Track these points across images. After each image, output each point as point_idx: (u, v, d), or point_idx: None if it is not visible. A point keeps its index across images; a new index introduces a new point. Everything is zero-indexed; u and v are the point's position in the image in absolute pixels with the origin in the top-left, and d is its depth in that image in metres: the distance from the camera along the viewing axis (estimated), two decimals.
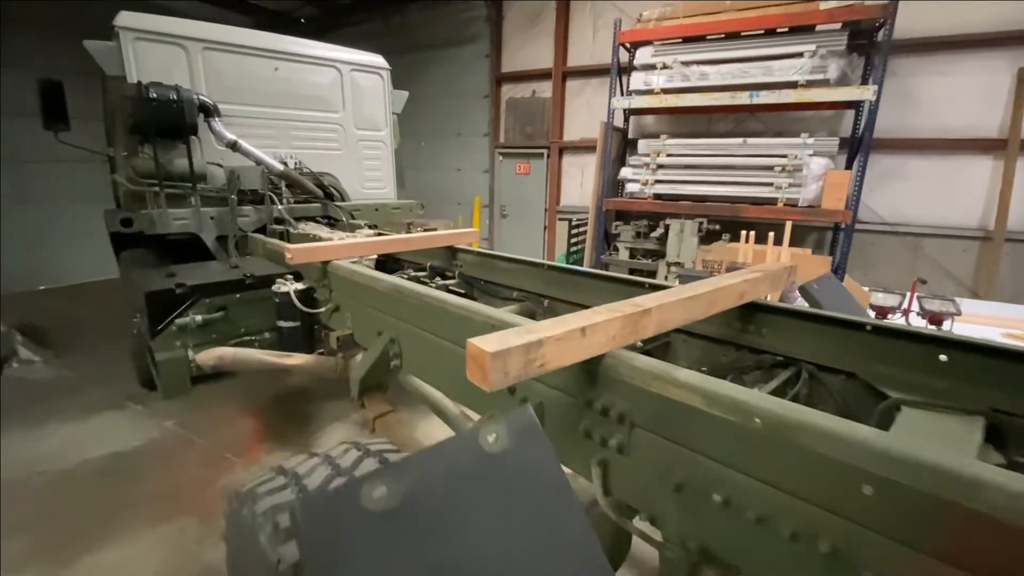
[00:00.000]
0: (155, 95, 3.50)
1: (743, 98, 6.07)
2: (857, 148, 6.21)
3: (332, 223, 4.50)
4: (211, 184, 4.01)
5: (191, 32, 3.88)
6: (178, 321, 2.63)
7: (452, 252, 3.18)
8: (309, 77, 4.46)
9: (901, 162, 6.48)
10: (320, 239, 3.46)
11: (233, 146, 3.94)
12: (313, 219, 4.36)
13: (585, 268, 2.60)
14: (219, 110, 3.90)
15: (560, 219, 8.84)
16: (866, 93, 5.60)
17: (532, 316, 2.62)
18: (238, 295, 2.83)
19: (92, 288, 7.85)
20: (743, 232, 5.58)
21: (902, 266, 6.61)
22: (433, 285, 2.77)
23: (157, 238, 3.73)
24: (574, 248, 8.14)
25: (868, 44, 6.13)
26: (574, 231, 7.86)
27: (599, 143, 7.37)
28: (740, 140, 6.37)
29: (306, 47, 4.46)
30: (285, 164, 4.22)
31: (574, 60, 8.43)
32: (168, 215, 3.65)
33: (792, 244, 5.86)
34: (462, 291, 2.96)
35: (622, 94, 7.06)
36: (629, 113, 7.34)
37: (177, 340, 2.64)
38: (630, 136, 7.93)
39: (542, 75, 8.71)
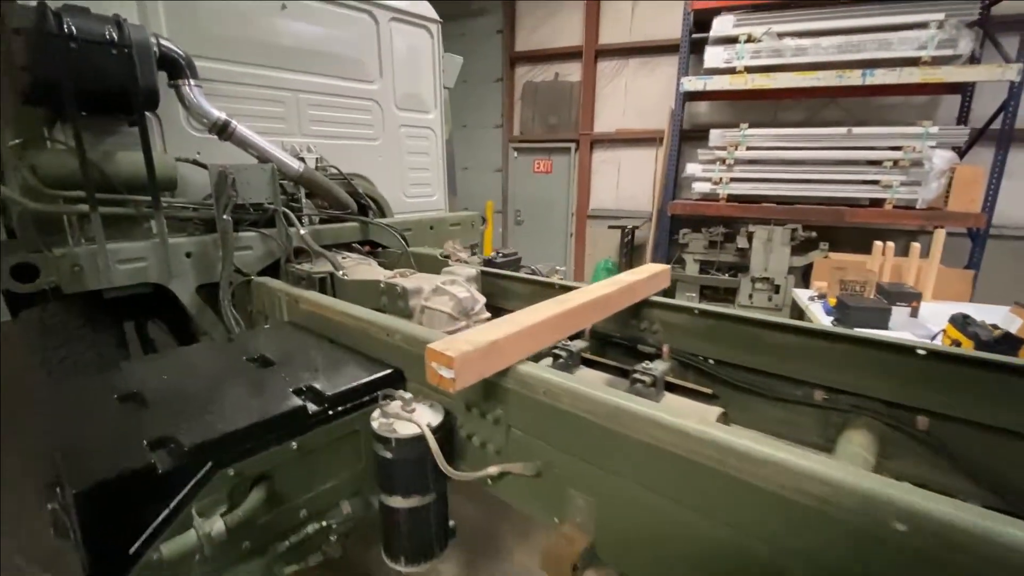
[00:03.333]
0: (75, 30, 1.84)
1: (854, 77, 4.95)
2: (974, 141, 5.23)
3: (374, 251, 2.94)
4: (184, 195, 2.37)
5: None
6: (172, 547, 1.07)
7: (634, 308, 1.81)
8: (333, 27, 2.86)
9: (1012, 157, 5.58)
10: (420, 294, 1.94)
11: (223, 130, 2.32)
12: (348, 247, 2.79)
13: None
14: (195, 68, 2.26)
15: (594, 224, 7.51)
16: (1009, 73, 4.60)
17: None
18: (295, 443, 1.29)
19: None
20: (876, 243, 4.43)
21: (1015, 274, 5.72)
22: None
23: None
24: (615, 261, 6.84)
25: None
26: (627, 239, 6.55)
27: (667, 134, 6.08)
28: (844, 130, 5.25)
29: None
30: (302, 161, 2.61)
31: (608, 36, 7.09)
32: (108, 255, 2.00)
33: (899, 253, 4.74)
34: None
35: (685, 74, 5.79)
36: (687, 99, 6.07)
37: None
38: (684, 127, 6.69)
39: (568, 55, 7.32)
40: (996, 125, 4.94)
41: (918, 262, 4.33)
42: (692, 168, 5.87)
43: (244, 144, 2.39)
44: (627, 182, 7.28)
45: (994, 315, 3.12)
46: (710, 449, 0.87)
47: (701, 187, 5.83)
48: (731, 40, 5.37)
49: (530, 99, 7.66)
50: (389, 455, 1.24)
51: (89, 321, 2.21)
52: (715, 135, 5.70)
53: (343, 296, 2.14)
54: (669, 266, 2.12)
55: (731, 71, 5.37)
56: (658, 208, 6.10)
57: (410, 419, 1.25)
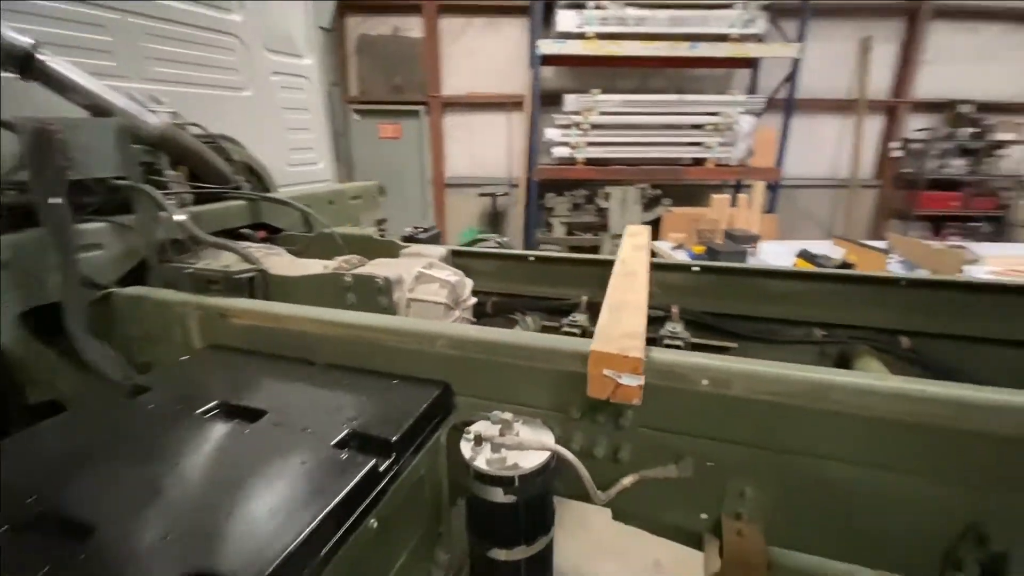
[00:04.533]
0: None
1: (683, 49, 5.55)
2: (764, 109, 6.37)
3: (270, 237, 2.27)
4: None
5: None
6: None
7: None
8: None
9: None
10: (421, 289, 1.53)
11: (26, 64, 1.46)
12: (235, 233, 2.10)
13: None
14: None
15: (453, 193, 7.24)
16: (792, 51, 5.67)
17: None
18: (374, 520, 0.88)
19: None
20: (715, 196, 5.14)
21: (796, 215, 7.27)
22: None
23: None
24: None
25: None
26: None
27: (528, 98, 6.02)
28: (676, 96, 5.89)
29: None
30: (165, 114, 1.83)
31: None
32: None
33: (702, 203, 5.70)
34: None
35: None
36: (542, 62, 6.11)
37: None
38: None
39: (406, 7, 6.71)
40: (782, 95, 6.08)
41: (746, 210, 5.17)
42: (551, 133, 5.99)
43: (65, 86, 1.55)
44: (481, 148, 7.14)
45: (822, 248, 3.89)
46: (930, 406, 0.82)
47: (560, 151, 6.02)
48: (578, 5, 5.52)
49: (368, 55, 6.87)
50: (513, 498, 0.93)
51: None
52: (571, 100, 5.88)
53: (282, 299, 1.58)
54: (648, 227, 2.08)
55: (582, 36, 5.54)
56: (526, 174, 6.12)
57: (531, 446, 0.95)
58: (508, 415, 1.01)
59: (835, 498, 0.94)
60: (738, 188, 6.72)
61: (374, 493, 0.88)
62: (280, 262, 1.83)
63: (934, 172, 6.91)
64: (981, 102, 6.86)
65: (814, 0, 5.81)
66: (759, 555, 0.94)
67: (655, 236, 5.87)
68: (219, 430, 0.99)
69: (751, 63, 6.42)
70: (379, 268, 1.62)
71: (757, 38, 5.64)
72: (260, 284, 1.59)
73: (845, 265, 3.39)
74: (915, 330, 1.59)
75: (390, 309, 1.53)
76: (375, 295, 1.52)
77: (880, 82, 7.01)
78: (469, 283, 1.73)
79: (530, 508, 0.96)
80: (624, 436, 1.04)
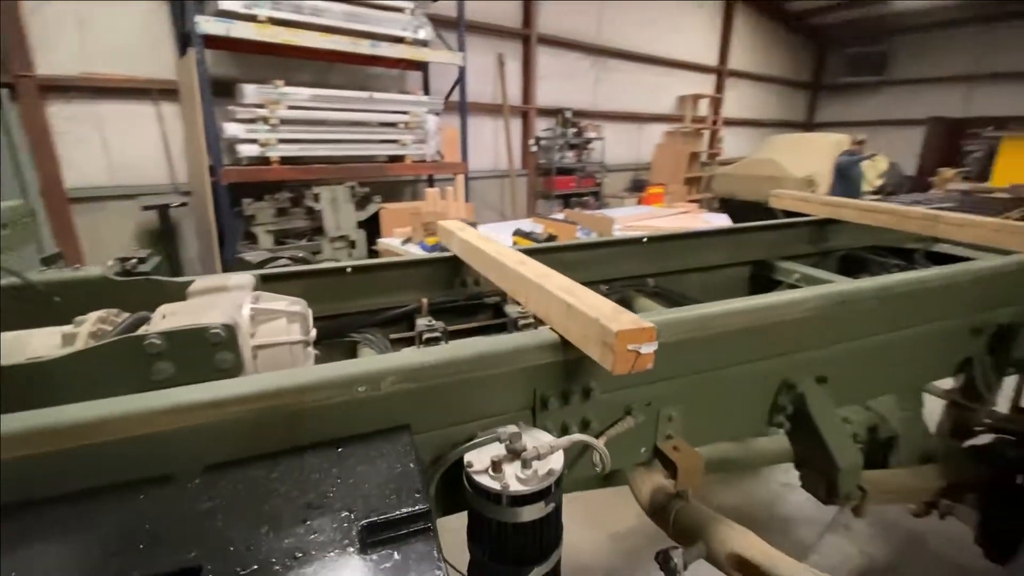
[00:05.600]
0: None
1: (365, 46, 5.57)
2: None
3: None
4: None
5: None
6: None
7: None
8: None
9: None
10: None
11: None
12: None
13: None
14: None
15: (86, 210, 5.29)
16: (458, 59, 6.43)
17: None
18: None
19: None
20: (429, 190, 5.49)
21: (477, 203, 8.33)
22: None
23: None
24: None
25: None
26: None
27: (191, 86, 4.79)
28: (367, 93, 5.87)
29: None
30: None
31: None
32: None
33: (402, 199, 6.28)
34: None
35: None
36: (207, 45, 4.96)
37: None
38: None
39: None
40: (455, 97, 6.85)
41: (454, 202, 5.71)
42: (233, 129, 5.09)
43: None
44: (124, 148, 5.45)
45: (529, 225, 4.71)
46: (752, 315, 1.23)
47: (248, 150, 5.20)
48: None
49: None
50: (553, 506, 0.89)
51: None
52: (251, 91, 5.12)
53: (18, 406, 0.92)
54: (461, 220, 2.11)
55: (253, 19, 4.86)
56: (209, 177, 4.99)
57: (546, 449, 0.92)
58: (511, 427, 0.94)
59: (713, 395, 1.27)
60: (431, 182, 7.29)
61: None
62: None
63: (558, 162, 9.16)
64: (576, 109, 9.42)
65: (467, 18, 6.72)
66: (697, 458, 1.19)
67: (377, 234, 5.84)
68: None
69: (422, 66, 6.97)
70: (182, 317, 1.15)
71: (424, 43, 6.16)
72: None
73: (551, 238, 4.23)
74: (654, 272, 2.19)
75: (236, 368, 1.12)
76: (210, 355, 1.08)
77: (515, 90, 8.73)
78: (309, 310, 1.42)
79: (558, 509, 0.94)
80: (591, 407, 1.12)
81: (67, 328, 1.13)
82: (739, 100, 13.18)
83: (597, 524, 2.42)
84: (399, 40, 5.88)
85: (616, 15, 9.74)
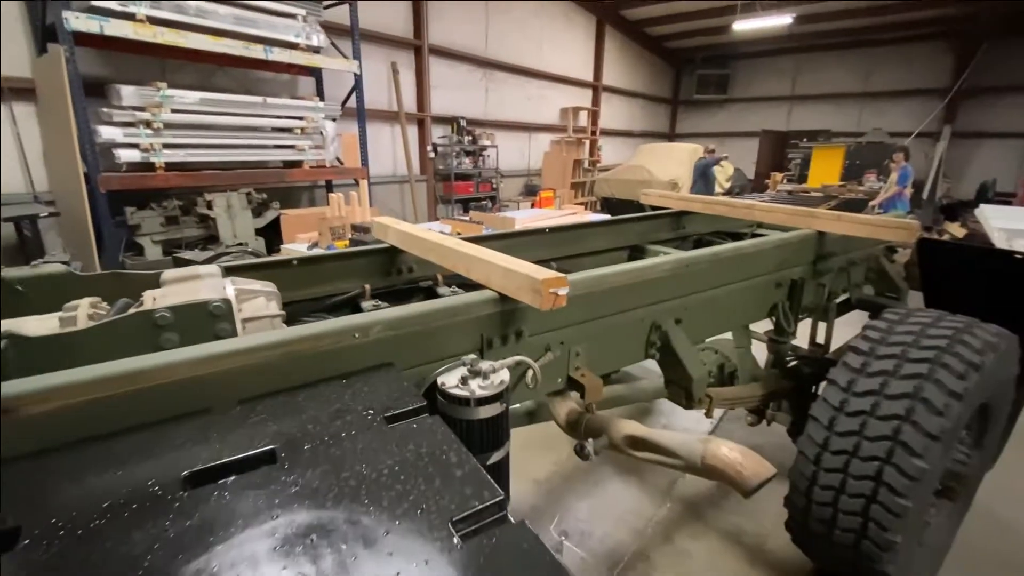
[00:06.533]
0: None
1: (258, 51, 5.49)
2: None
3: None
4: None
5: None
6: None
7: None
8: None
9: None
10: None
11: None
12: None
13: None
14: None
15: None
16: (354, 66, 6.52)
17: None
18: None
19: None
20: (332, 195, 5.55)
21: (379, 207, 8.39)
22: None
23: None
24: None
25: None
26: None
27: (65, 85, 4.34)
28: (260, 98, 5.75)
29: None
30: None
31: None
32: None
33: (299, 205, 6.34)
34: None
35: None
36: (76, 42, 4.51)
37: None
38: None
39: None
40: (352, 104, 6.92)
41: (357, 206, 5.83)
42: (110, 132, 4.74)
43: None
44: None
45: (435, 226, 5.02)
46: (613, 278, 1.72)
47: (129, 155, 4.87)
48: None
49: None
50: (503, 406, 1.26)
51: None
52: (128, 93, 4.80)
53: (45, 370, 1.07)
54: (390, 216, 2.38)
55: (131, 17, 4.59)
56: (83, 184, 4.56)
57: (499, 368, 1.29)
58: (471, 356, 1.30)
59: (606, 335, 1.72)
60: (330, 188, 7.26)
61: None
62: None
63: (456, 168, 9.54)
64: (469, 118, 9.87)
65: (360, 26, 6.82)
66: (598, 381, 1.64)
67: (277, 241, 5.74)
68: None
69: (315, 72, 6.94)
70: (175, 298, 1.35)
71: (316, 50, 6.18)
72: (10, 357, 1.04)
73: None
74: (556, 256, 2.65)
75: (230, 336, 1.35)
76: (210, 325, 1.31)
77: (410, 99, 8.95)
78: (278, 292, 1.64)
79: (507, 412, 1.31)
80: (523, 346, 1.51)
81: (63, 314, 1.27)
82: (613, 113, 14.62)
83: (521, 474, 2.84)
84: (292, 46, 5.86)
85: (502, 30, 10.39)
